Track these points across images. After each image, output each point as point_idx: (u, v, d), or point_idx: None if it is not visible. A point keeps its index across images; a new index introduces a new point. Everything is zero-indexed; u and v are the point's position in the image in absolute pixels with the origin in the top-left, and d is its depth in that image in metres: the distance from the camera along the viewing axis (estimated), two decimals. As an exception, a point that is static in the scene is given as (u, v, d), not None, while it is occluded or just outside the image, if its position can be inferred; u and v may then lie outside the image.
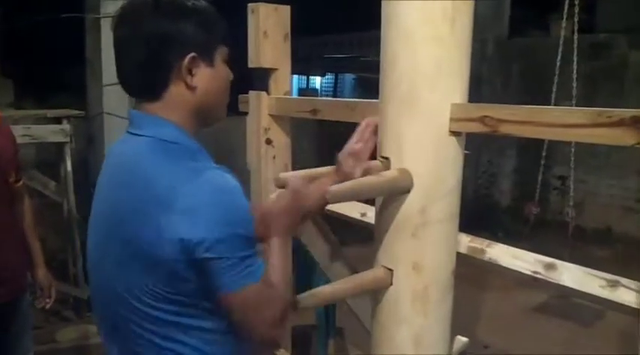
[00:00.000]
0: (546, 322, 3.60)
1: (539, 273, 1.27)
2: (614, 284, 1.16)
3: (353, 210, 1.77)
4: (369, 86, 11.85)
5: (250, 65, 1.85)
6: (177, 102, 1.00)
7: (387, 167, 1.26)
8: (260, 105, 1.84)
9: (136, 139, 1.00)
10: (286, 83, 1.89)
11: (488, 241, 1.39)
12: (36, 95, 4.99)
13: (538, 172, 3.71)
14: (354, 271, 1.81)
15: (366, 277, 1.30)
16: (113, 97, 3.41)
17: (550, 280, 1.25)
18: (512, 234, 4.09)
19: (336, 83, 11.99)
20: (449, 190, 1.26)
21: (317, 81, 12.44)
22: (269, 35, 1.81)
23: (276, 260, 1.02)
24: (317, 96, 11.29)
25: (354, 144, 1.26)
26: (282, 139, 1.91)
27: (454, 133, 1.22)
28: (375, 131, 1.28)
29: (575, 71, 3.37)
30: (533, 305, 3.74)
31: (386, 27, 1.24)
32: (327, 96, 11.89)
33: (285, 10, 1.84)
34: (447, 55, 1.19)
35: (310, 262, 2.17)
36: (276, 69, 1.86)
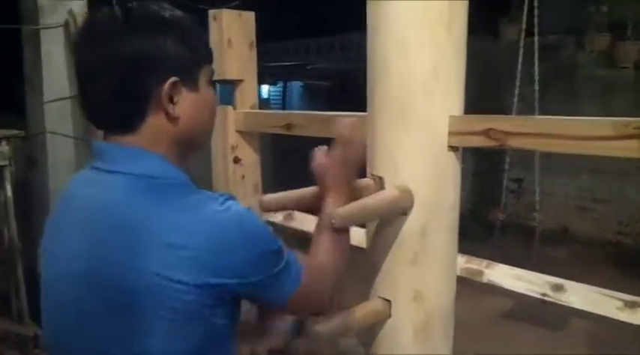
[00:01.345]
0: (515, 328, 3.57)
1: (548, 295, 1.18)
2: (632, 305, 1.08)
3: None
4: (317, 94, 11.80)
5: (214, 77, 1.69)
6: (157, 135, 0.84)
7: (380, 186, 1.14)
8: (226, 121, 1.70)
9: (109, 178, 0.82)
10: (253, 96, 1.76)
11: (487, 261, 1.30)
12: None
13: (498, 176, 3.70)
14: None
15: (362, 311, 1.17)
16: (55, 115, 3.16)
17: (560, 303, 1.16)
18: (475, 239, 4.07)
19: (284, 91, 11.86)
20: (449, 210, 1.15)
21: (264, 90, 12.28)
22: (234, 44, 1.67)
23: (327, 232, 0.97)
24: (268, 106, 11.12)
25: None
26: (251, 157, 1.76)
27: (453, 148, 1.12)
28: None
29: (537, 73, 3.37)
30: (501, 311, 3.71)
31: (374, 30, 1.12)
32: (276, 105, 11.74)
33: (250, 16, 1.70)
34: (444, 61, 1.08)
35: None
36: (241, 80, 1.72)
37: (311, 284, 0.91)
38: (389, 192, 1.08)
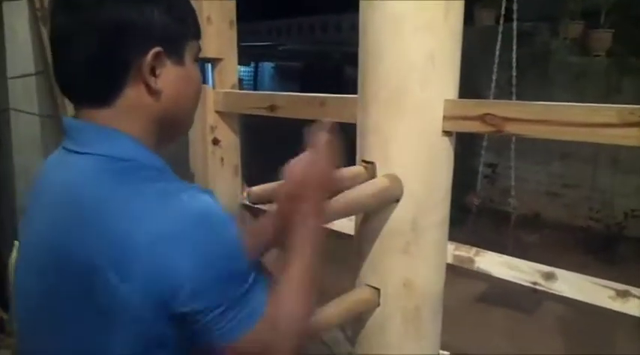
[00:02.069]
0: (488, 312, 3.61)
1: (539, 284, 1.17)
2: (624, 295, 1.07)
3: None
4: (288, 75, 11.70)
5: (193, 55, 1.62)
6: (134, 110, 0.77)
7: (372, 173, 1.10)
8: (205, 101, 1.63)
9: (79, 159, 0.75)
10: (233, 75, 1.69)
11: (476, 249, 1.27)
12: None
13: (473, 161, 3.71)
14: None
15: (350, 299, 1.13)
16: (19, 91, 3.01)
17: (552, 292, 1.14)
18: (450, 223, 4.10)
19: (256, 72, 11.72)
20: (441, 197, 1.12)
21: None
22: (213, 21, 1.59)
23: (297, 263, 0.78)
24: (241, 87, 10.97)
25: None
26: (230, 139, 1.70)
27: (447, 133, 1.08)
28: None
29: (514, 60, 3.36)
30: (474, 295, 3.74)
31: (367, 13, 1.08)
32: (248, 85, 11.60)
33: (231, -7, 1.63)
34: (440, 45, 1.04)
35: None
36: (221, 59, 1.65)
37: (269, 332, 0.73)
38: (377, 182, 1.04)
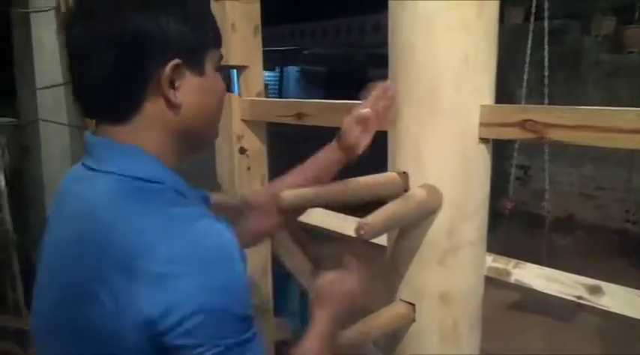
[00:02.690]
0: (523, 319, 3.51)
1: (584, 298, 1.10)
2: (679, 311, 1.00)
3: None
4: (313, 79, 11.68)
5: (217, 63, 1.59)
6: (154, 125, 0.74)
7: (405, 181, 1.05)
8: (231, 110, 1.60)
9: (98, 178, 0.73)
10: (259, 82, 1.66)
11: (515, 261, 1.21)
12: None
13: (504, 163, 3.62)
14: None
15: (385, 316, 1.09)
16: (48, 102, 3.04)
17: (599, 307, 1.08)
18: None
19: (281, 77, 11.73)
20: (478, 207, 1.06)
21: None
22: (237, 28, 1.56)
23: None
24: (267, 92, 10.98)
25: (363, 109, 1.01)
26: (257, 147, 1.67)
27: (483, 140, 1.03)
28: (392, 98, 1.03)
29: (546, 58, 3.26)
30: (508, 302, 3.64)
31: (397, 12, 1.03)
32: (273, 90, 11.62)
33: (255, -2, 1.60)
34: (474, 45, 0.99)
35: (285, 274, 1.97)
36: (246, 66, 1.62)
37: None
38: (417, 195, 0.99)
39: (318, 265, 1.74)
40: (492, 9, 1.01)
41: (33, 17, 2.93)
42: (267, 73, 11.85)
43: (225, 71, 1.62)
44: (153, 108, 0.73)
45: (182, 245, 0.65)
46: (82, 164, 0.77)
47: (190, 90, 0.75)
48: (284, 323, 2.66)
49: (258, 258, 1.80)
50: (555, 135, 0.92)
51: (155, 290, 0.63)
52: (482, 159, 1.04)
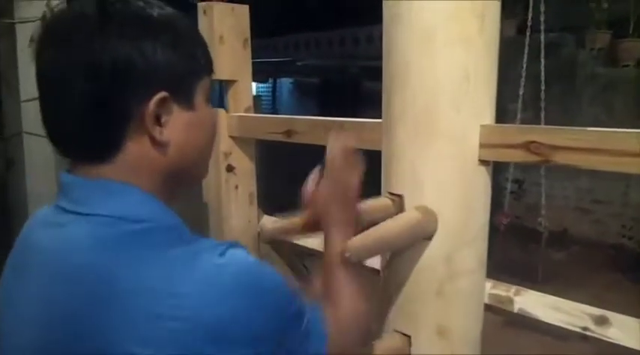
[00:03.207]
0: (520, 337, 3.43)
1: (589, 330, 1.03)
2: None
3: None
4: (307, 90, 11.64)
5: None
6: (138, 165, 0.65)
7: (400, 206, 0.99)
8: (218, 126, 1.53)
9: (78, 223, 0.63)
10: (248, 98, 1.59)
11: (516, 287, 1.14)
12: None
13: (498, 177, 3.56)
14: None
15: (378, 347, 1.01)
16: (33, 114, 2.95)
17: (605, 339, 1.01)
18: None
19: (274, 88, 11.68)
20: (478, 231, 1.00)
21: (253, 87, 12.05)
22: (226, 41, 1.50)
23: (338, 275, 0.81)
24: (260, 104, 10.94)
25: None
26: (245, 165, 1.60)
27: (483, 163, 0.96)
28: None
29: (542, 72, 3.22)
30: (502, 319, 3.57)
31: (393, 23, 0.97)
32: (266, 102, 11.57)
33: (244, 10, 1.53)
34: (475, 61, 0.93)
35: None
36: (234, 81, 1.56)
37: (341, 340, 0.75)
38: (410, 216, 0.93)
39: (307, 283, 1.67)
40: (493, 22, 0.95)
41: (18, 28, 2.85)
42: (260, 85, 11.81)
43: (216, 84, 1.55)
44: (136, 148, 0.64)
45: (202, 282, 0.58)
46: (56, 205, 0.67)
47: (179, 126, 0.66)
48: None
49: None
50: (562, 158, 0.86)
51: (182, 335, 0.57)
52: (482, 182, 0.98)
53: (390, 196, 1.00)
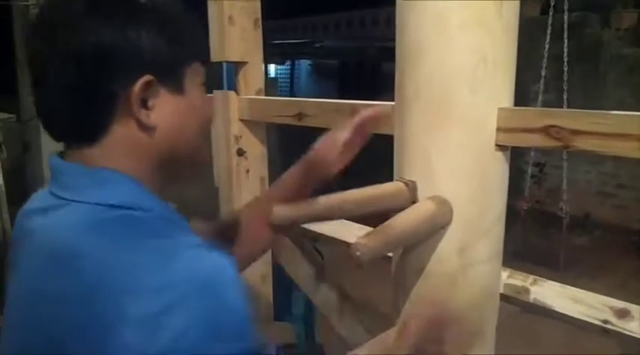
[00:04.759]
0: (538, 324, 3.38)
1: (610, 323, 0.99)
2: None
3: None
4: (326, 72, 11.56)
5: (213, 58, 1.49)
6: (126, 148, 0.65)
7: (413, 192, 0.95)
8: (229, 109, 1.50)
9: (66, 209, 0.64)
10: (259, 80, 1.55)
11: (533, 277, 1.10)
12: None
13: (518, 160, 3.49)
14: (343, 296, 1.52)
15: (389, 340, 0.98)
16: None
17: (627, 333, 0.97)
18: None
19: (292, 70, 11.61)
20: (494, 221, 0.95)
21: (272, 69, 12.00)
22: (236, 21, 1.46)
23: None
24: (277, 85, 10.88)
25: (346, 133, 0.97)
26: (256, 149, 1.57)
27: (501, 148, 0.92)
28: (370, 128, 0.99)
29: (565, 53, 3.12)
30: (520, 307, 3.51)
31: (407, 8, 0.92)
32: (284, 84, 11.50)
33: (255, -11, 1.49)
34: (492, 43, 0.88)
35: (288, 280, 1.89)
36: (245, 62, 1.52)
37: None
38: (423, 208, 0.89)
39: (321, 270, 1.64)
40: (513, 4, 0.89)
41: (34, 11, 2.85)
42: (278, 67, 11.75)
43: (215, 68, 1.52)
44: (122, 130, 0.65)
45: (168, 279, 0.57)
46: (49, 192, 0.68)
47: (166, 110, 0.66)
48: (288, 327, 2.59)
49: (259, 264, 1.70)
50: (584, 144, 0.81)
51: (142, 333, 0.55)
52: (499, 169, 0.93)
53: (402, 180, 0.96)
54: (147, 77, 0.63)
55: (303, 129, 1.28)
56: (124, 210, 0.63)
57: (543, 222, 4.28)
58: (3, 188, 2.91)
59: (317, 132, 1.00)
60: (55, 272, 0.61)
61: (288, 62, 11.42)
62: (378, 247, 0.77)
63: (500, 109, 0.89)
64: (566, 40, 3.19)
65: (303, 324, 2.80)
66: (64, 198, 0.65)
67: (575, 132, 0.81)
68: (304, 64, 11.78)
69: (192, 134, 0.70)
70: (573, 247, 4.30)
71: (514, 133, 0.89)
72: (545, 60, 3.35)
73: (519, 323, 3.41)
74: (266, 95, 1.58)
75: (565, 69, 3.25)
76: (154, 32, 0.64)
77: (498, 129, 0.90)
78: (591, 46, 4.74)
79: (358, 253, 0.75)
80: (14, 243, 0.71)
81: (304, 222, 0.97)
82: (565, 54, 3.22)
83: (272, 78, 11.62)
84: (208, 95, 0.75)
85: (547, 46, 3.31)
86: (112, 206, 0.63)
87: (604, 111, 0.80)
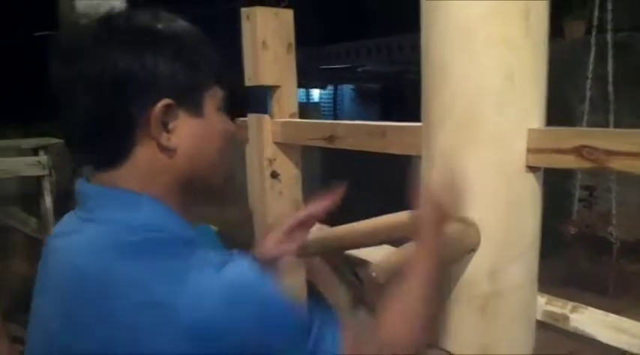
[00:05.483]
0: (546, 337, 3.24)
1: (655, 353, 0.93)
2: None
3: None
4: (368, 97, 11.60)
5: (247, 83, 1.52)
6: (148, 171, 0.68)
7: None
8: (262, 132, 1.51)
9: (88, 229, 0.66)
10: (292, 103, 1.56)
11: (573, 303, 1.05)
12: (16, 123, 4.64)
13: (567, 183, 3.38)
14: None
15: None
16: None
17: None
18: (541, 253, 3.75)
19: (335, 95, 11.70)
20: (526, 246, 0.92)
21: (315, 94, 12.12)
22: (269, 46, 1.48)
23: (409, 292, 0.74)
24: (320, 110, 10.97)
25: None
26: (290, 171, 1.57)
27: (532, 169, 0.89)
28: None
29: (610, 73, 3.03)
30: (566, 349, 3.37)
31: (431, 27, 0.91)
32: (327, 109, 11.59)
33: (288, 14, 1.51)
34: (519, 61, 0.86)
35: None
36: (278, 86, 1.53)
37: None
38: (451, 228, 0.86)
39: (360, 295, 1.62)
40: (541, 18, 0.87)
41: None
42: (321, 92, 11.86)
43: (258, 91, 1.54)
44: (145, 153, 0.67)
45: (201, 296, 0.59)
46: (76, 214, 0.71)
47: (186, 132, 0.68)
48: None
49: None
50: (619, 164, 0.78)
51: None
52: (530, 190, 0.90)
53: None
54: (166, 101, 0.65)
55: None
56: (147, 233, 0.64)
57: (594, 248, 4.11)
58: (52, 211, 3.01)
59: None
60: (74, 292, 0.63)
61: (331, 87, 11.52)
62: (394, 268, 0.76)
63: (530, 130, 0.87)
64: (610, 60, 3.10)
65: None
66: (87, 219, 0.67)
67: (609, 153, 0.78)
68: (347, 89, 11.85)
69: (211, 155, 0.72)
70: (626, 274, 4.10)
71: (545, 154, 0.86)
72: (589, 80, 3.27)
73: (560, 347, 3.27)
74: (310, 119, 1.58)
75: (610, 89, 3.14)
76: (171, 58, 0.66)
77: (528, 150, 0.87)
78: (638, 66, 4.58)
79: (374, 274, 0.74)
80: (42, 262, 0.74)
81: (327, 250, 0.97)
82: (610, 74, 3.12)
83: (315, 102, 11.73)
84: (226, 118, 0.76)
85: (591, 66, 3.23)
86: (133, 226, 0.64)
87: (636, 130, 0.76)
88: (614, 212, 3.32)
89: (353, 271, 1.71)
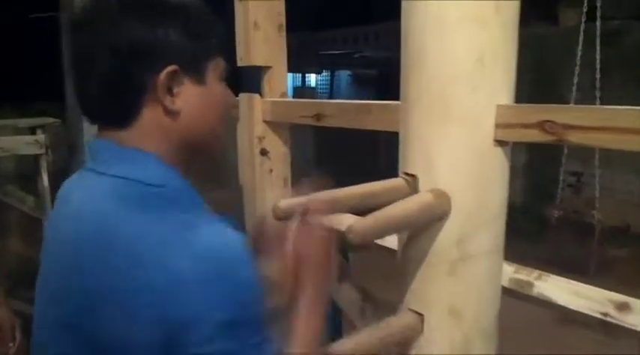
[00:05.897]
0: (569, 334, 3.33)
1: (610, 316, 1.01)
2: None
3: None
4: (365, 82, 11.63)
5: (239, 63, 1.57)
6: (154, 131, 0.75)
7: (414, 187, 1.00)
8: (253, 110, 1.57)
9: (100, 181, 0.74)
10: (282, 83, 1.62)
11: (538, 272, 1.13)
12: (13, 102, 4.68)
13: (555, 169, 3.46)
14: (365, 296, 1.56)
15: (393, 325, 1.03)
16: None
17: (625, 325, 0.99)
18: (527, 237, 3.84)
19: (332, 80, 11.72)
20: (494, 215, 0.99)
21: (312, 79, 12.13)
22: (260, 26, 1.54)
23: (302, 327, 0.80)
24: (316, 95, 11.00)
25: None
26: (279, 149, 1.64)
27: (500, 143, 0.96)
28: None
29: (598, 60, 3.10)
30: (552, 315, 3.46)
31: (408, 11, 0.98)
32: (324, 94, 11.62)
33: (279, -4, 1.57)
34: (490, 41, 0.92)
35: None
36: (269, 67, 1.59)
37: None
38: (420, 198, 0.93)
39: (344, 271, 1.69)
40: (512, 2, 0.94)
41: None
42: (318, 77, 11.88)
43: (251, 71, 1.60)
44: (151, 115, 0.74)
45: (190, 251, 0.65)
46: (85, 168, 0.79)
47: (189, 97, 0.75)
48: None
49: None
50: (575, 137, 0.84)
51: (166, 297, 0.63)
52: (498, 164, 0.97)
53: (404, 176, 1.01)
54: (172, 67, 0.73)
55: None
56: (149, 187, 0.72)
57: (580, 232, 4.21)
58: (48, 190, 3.07)
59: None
60: (86, 241, 0.69)
61: (327, 72, 11.54)
62: (369, 230, 0.82)
63: (498, 106, 0.93)
64: (598, 47, 3.17)
65: (332, 321, 2.84)
66: (96, 172, 0.74)
67: (567, 127, 0.85)
68: (344, 74, 11.88)
69: (212, 121, 0.79)
70: (610, 257, 4.20)
71: (512, 129, 0.93)
72: (577, 67, 3.33)
73: (548, 331, 3.37)
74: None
75: (597, 77, 3.21)
76: (180, 29, 0.74)
77: (497, 126, 0.94)
78: (631, 54, 4.64)
79: (351, 236, 0.80)
80: (53, 210, 0.81)
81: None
82: (597, 61, 3.19)
83: (312, 87, 11.74)
84: (226, 88, 0.83)
85: (579, 54, 3.29)
86: (137, 181, 0.72)
87: (593, 106, 0.83)
88: (597, 196, 3.39)
89: (340, 247, 1.78)
